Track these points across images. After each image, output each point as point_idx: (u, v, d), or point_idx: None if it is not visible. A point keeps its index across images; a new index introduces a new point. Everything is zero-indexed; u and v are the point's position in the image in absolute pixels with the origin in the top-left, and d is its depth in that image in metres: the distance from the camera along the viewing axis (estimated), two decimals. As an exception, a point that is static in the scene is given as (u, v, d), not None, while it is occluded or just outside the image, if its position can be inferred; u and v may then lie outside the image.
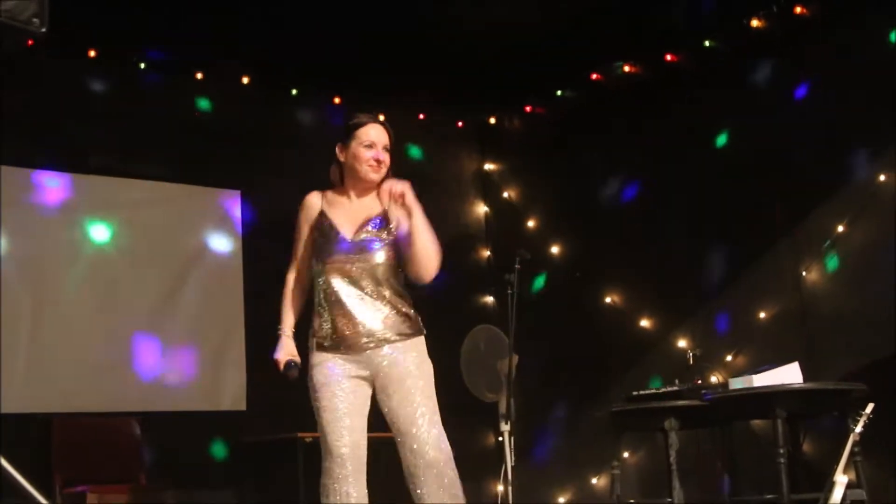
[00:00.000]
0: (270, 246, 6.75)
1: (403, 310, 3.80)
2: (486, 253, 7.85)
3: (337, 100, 7.27)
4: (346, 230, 3.79)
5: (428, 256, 3.72)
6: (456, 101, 7.50)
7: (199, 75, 6.78)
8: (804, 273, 5.76)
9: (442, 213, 7.96)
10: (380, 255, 3.78)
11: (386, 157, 3.84)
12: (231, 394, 6.67)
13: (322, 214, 3.84)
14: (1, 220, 5.94)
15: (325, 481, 3.73)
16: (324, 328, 3.76)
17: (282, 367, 3.78)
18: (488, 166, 7.92)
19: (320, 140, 7.12)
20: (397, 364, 3.74)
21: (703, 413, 4.81)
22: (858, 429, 3.82)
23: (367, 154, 3.78)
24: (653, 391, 5.05)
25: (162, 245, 6.56)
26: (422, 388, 3.74)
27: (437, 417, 3.76)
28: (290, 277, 3.93)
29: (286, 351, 3.81)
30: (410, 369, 3.75)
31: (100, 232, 6.36)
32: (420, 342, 3.84)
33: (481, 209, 7.94)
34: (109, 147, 6.42)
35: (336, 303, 3.73)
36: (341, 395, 3.72)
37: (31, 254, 6.10)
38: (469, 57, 6.73)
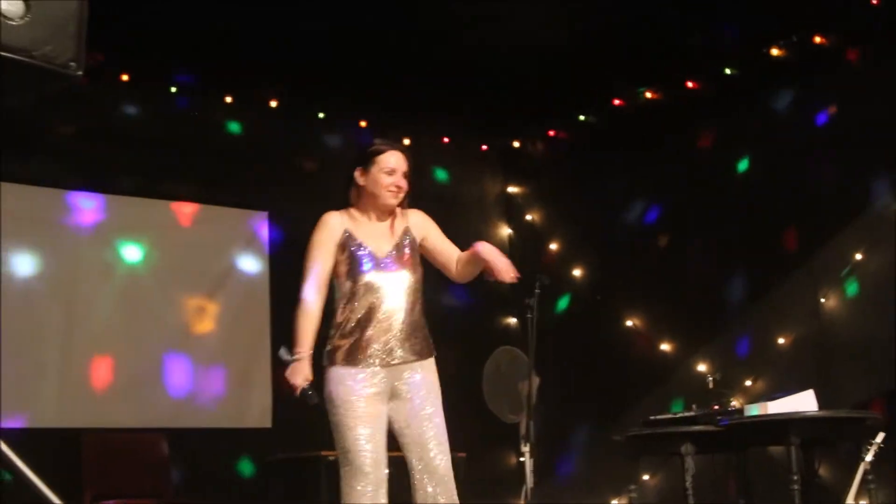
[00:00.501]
0: (297, 266, 6.87)
1: (422, 331, 3.92)
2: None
3: (363, 123, 7.41)
4: (377, 250, 3.90)
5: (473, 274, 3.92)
6: (480, 124, 7.61)
7: (228, 99, 6.93)
8: (822, 300, 5.81)
9: (466, 234, 8.01)
10: (407, 277, 3.88)
11: (405, 184, 3.94)
12: (257, 411, 6.79)
13: (349, 235, 3.90)
14: (35, 240, 6.11)
15: (347, 497, 3.81)
16: (349, 344, 3.80)
17: (298, 392, 3.74)
18: (511, 189, 8.03)
19: (347, 162, 7.25)
20: (414, 383, 3.83)
21: (719, 438, 4.86)
22: (869, 457, 3.87)
23: (387, 180, 3.87)
24: (669, 416, 5.12)
25: (191, 265, 6.71)
26: (434, 411, 3.84)
27: (446, 438, 3.87)
28: (311, 297, 3.87)
29: (303, 376, 3.77)
30: (425, 390, 3.85)
31: (131, 252, 6.52)
32: (433, 363, 3.94)
33: (504, 231, 8.04)
34: (141, 169, 6.57)
35: (365, 320, 3.79)
36: (363, 411, 3.77)
37: (65, 273, 6.26)
38: (493, 82, 6.84)
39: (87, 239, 6.38)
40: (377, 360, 3.78)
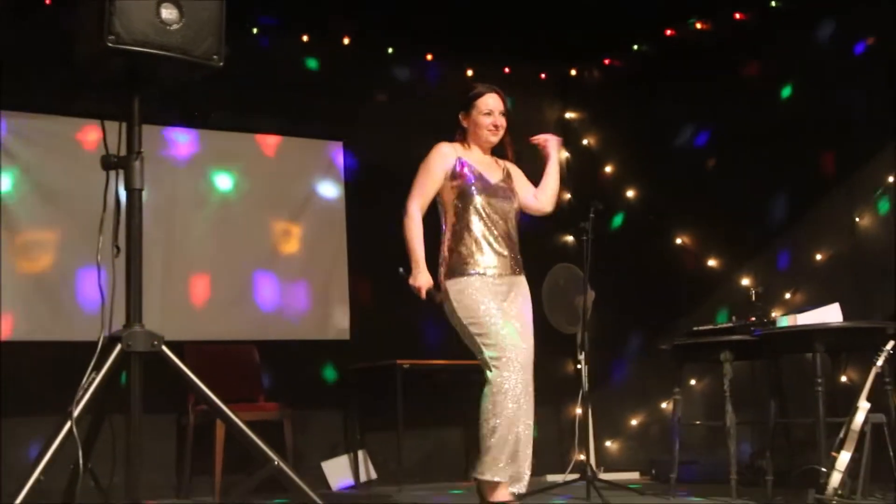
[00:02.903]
0: (370, 191, 7.46)
1: (519, 251, 4.50)
2: (567, 196, 8.41)
3: (429, 56, 7.86)
4: (491, 177, 4.44)
5: (555, 191, 4.55)
6: (539, 54, 7.99)
7: (305, 38, 7.43)
8: (857, 219, 6.24)
9: (526, 158, 8.51)
10: (512, 203, 4.46)
11: (503, 121, 4.51)
12: (337, 325, 7.36)
13: (462, 162, 4.39)
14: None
15: (494, 388, 4.15)
16: (473, 256, 4.30)
17: (424, 294, 4.32)
18: (569, 115, 8.46)
19: (414, 93, 7.78)
20: (518, 294, 4.41)
21: (754, 347, 5.34)
22: (879, 362, 4.36)
23: (486, 121, 4.44)
24: (710, 327, 5.62)
25: (276, 191, 7.24)
26: (531, 319, 4.45)
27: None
28: (418, 212, 4.39)
29: (426, 278, 4.34)
30: (525, 300, 4.46)
31: (223, 181, 7.08)
32: (525, 280, 4.53)
33: (562, 155, 8.46)
34: (229, 105, 7.08)
35: (484, 236, 4.33)
36: (494, 312, 4.24)
37: (165, 201, 6.81)
38: (551, 13, 7.18)
39: (184, 170, 6.97)
40: (494, 271, 4.32)
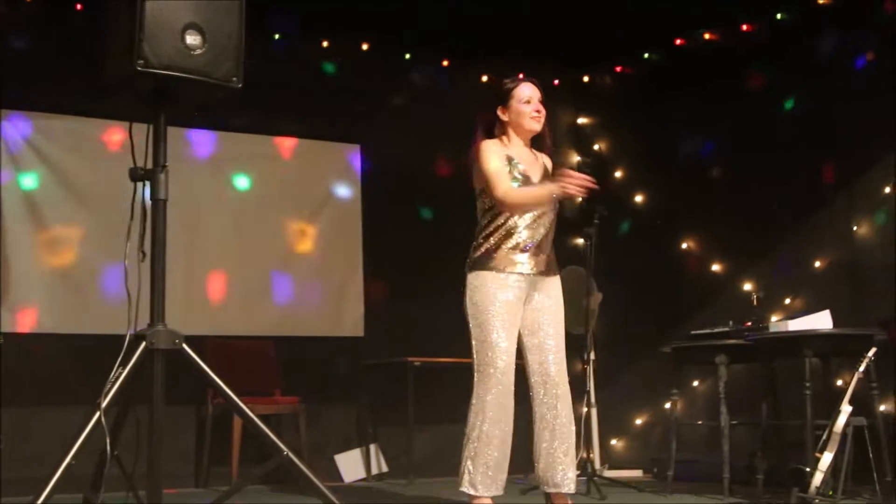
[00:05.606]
0: (386, 193, 7.69)
1: (554, 252, 4.58)
2: (579, 199, 8.59)
3: (445, 62, 8.07)
4: (534, 175, 4.46)
5: (523, 200, 4.42)
6: (552, 61, 8.14)
7: (324, 43, 7.66)
8: (855, 228, 6.40)
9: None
10: (550, 203, 4.44)
11: (542, 109, 4.57)
12: (351, 322, 7.58)
13: (511, 159, 4.40)
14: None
15: (480, 393, 4.28)
16: (500, 253, 4.33)
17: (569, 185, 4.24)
18: (581, 120, 8.65)
19: (430, 99, 7.99)
20: (548, 296, 4.46)
21: (748, 351, 5.54)
22: (861, 368, 4.55)
23: (527, 108, 4.50)
24: (707, 331, 5.82)
25: (293, 193, 7.47)
26: (558, 322, 4.52)
27: (564, 345, 4.55)
28: (510, 189, 4.32)
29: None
30: (553, 304, 4.50)
31: (241, 181, 7.31)
32: (559, 282, 4.58)
33: (574, 159, 8.65)
34: (249, 109, 7.25)
35: (517, 233, 4.35)
36: (504, 315, 4.30)
37: (185, 200, 6.94)
38: (565, 22, 7.38)
39: (205, 171, 7.19)
40: (522, 270, 4.34)
